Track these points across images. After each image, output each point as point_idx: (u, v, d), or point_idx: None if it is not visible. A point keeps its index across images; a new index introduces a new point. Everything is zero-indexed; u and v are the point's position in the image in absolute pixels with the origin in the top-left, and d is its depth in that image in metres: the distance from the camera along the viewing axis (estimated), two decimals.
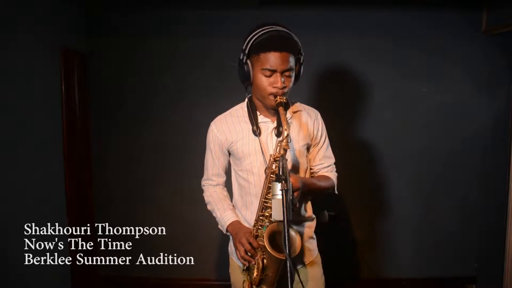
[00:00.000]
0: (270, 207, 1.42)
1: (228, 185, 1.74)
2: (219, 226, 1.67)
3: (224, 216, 1.63)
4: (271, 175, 1.44)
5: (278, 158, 1.38)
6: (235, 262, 1.69)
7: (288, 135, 1.35)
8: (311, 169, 1.70)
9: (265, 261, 1.46)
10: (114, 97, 2.97)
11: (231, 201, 1.71)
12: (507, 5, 2.60)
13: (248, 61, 1.47)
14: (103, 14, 2.90)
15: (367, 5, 2.83)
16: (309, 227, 1.69)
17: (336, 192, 1.70)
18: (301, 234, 1.61)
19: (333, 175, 1.70)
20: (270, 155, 1.44)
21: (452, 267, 3.06)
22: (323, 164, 1.69)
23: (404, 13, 2.86)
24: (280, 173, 1.30)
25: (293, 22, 2.73)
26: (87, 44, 2.88)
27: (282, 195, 1.26)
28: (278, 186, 1.29)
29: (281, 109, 1.42)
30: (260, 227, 1.50)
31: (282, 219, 1.25)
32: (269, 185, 1.44)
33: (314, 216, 1.71)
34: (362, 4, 2.82)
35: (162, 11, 2.87)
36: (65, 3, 2.62)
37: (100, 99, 2.96)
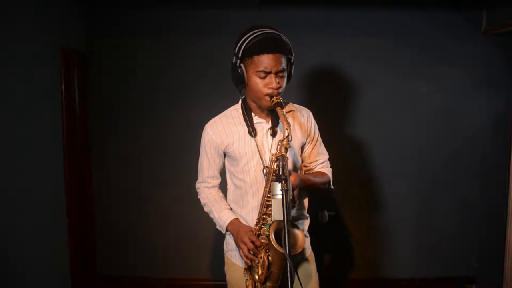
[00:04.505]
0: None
1: (222, 186, 1.75)
2: (218, 227, 1.68)
3: (222, 216, 1.64)
4: (273, 174, 1.45)
5: (279, 157, 1.39)
6: (231, 260, 1.71)
7: (289, 134, 1.38)
8: (306, 166, 1.74)
9: (270, 258, 1.47)
10: (114, 97, 2.97)
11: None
12: (507, 5, 2.60)
13: (242, 64, 1.50)
14: (103, 14, 2.90)
15: (367, 5, 2.83)
16: (304, 225, 1.71)
17: (332, 187, 1.74)
18: None
19: (328, 170, 1.74)
20: (272, 154, 1.46)
21: (452, 267, 3.07)
22: (319, 161, 1.73)
23: (404, 13, 2.86)
24: (280, 173, 1.31)
25: (293, 22, 2.78)
26: (87, 44, 2.88)
27: (282, 195, 1.27)
28: (278, 186, 1.30)
29: (279, 109, 1.44)
30: (262, 225, 1.52)
31: (282, 219, 1.26)
32: (271, 183, 1.45)
33: (308, 215, 1.74)
34: (362, 4, 2.82)
35: (162, 11, 2.87)
36: (65, 3, 2.62)
37: (100, 99, 2.96)
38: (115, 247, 3.06)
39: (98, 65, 2.93)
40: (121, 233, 3.04)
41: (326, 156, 1.77)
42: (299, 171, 1.69)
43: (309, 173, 1.72)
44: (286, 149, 1.41)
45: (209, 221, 1.75)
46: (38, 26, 2.34)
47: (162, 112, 2.96)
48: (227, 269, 1.73)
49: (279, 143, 1.42)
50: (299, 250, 1.45)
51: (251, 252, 1.51)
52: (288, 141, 1.40)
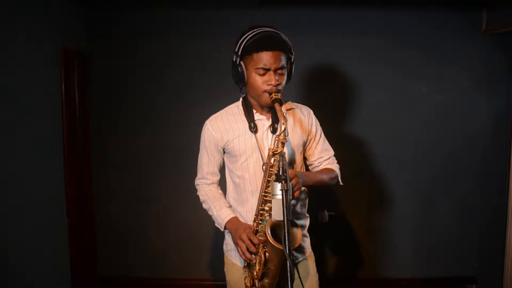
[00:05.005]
0: (270, 201, 1.45)
1: (222, 185, 1.76)
2: (216, 224, 1.68)
3: (221, 213, 1.64)
4: (270, 169, 1.47)
5: (276, 152, 1.42)
6: (230, 260, 1.72)
7: (285, 128, 1.39)
8: (311, 164, 1.74)
9: (267, 254, 1.47)
10: (114, 97, 2.97)
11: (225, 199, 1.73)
12: (507, 5, 2.60)
13: (242, 62, 1.51)
14: (103, 14, 2.90)
15: (367, 5, 2.83)
16: (304, 224, 1.71)
17: (341, 183, 1.74)
18: None
19: (335, 166, 1.74)
20: (269, 149, 1.48)
21: (452, 267, 3.07)
22: (323, 157, 1.73)
23: (404, 13, 2.86)
24: (280, 173, 1.31)
25: (293, 22, 2.78)
26: (87, 44, 2.88)
27: (282, 195, 1.27)
28: (278, 186, 1.30)
29: (277, 105, 1.45)
30: (260, 222, 1.52)
31: (282, 219, 1.26)
32: (268, 179, 1.47)
33: (308, 215, 1.74)
34: (362, 4, 2.83)
35: (162, 11, 2.87)
36: (65, 3, 2.63)
37: (100, 99, 2.96)
38: (115, 247, 3.06)
39: (98, 65, 2.93)
40: (121, 233, 3.04)
41: (331, 152, 1.77)
42: (300, 168, 1.69)
43: (315, 171, 1.72)
44: (283, 144, 1.42)
45: (209, 221, 1.75)
46: (38, 26, 2.34)
47: (162, 112, 2.96)
48: (227, 269, 1.74)
49: (276, 138, 1.44)
50: (296, 245, 1.47)
51: (249, 250, 1.51)
52: (285, 135, 1.41)
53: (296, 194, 1.45)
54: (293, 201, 1.60)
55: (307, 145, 1.70)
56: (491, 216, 2.91)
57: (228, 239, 1.72)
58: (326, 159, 1.74)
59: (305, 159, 1.76)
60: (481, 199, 2.99)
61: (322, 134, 1.74)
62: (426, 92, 2.92)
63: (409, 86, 2.92)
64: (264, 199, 1.50)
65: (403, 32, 2.88)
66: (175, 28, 2.90)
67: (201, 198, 1.73)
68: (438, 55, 2.89)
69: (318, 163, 1.73)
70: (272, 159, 1.46)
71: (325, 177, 1.65)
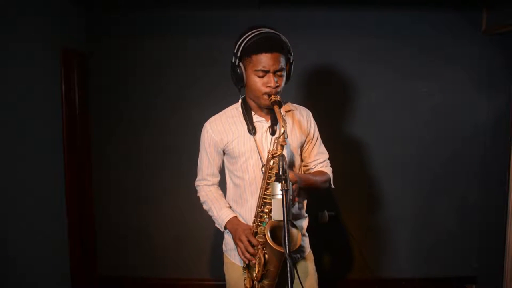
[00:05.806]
0: (269, 203, 1.45)
1: (221, 184, 1.76)
2: (216, 225, 1.69)
3: (221, 214, 1.65)
4: (269, 171, 1.47)
5: (276, 155, 1.42)
6: (230, 260, 1.72)
7: (285, 131, 1.39)
8: (306, 166, 1.74)
9: (266, 256, 1.47)
10: (114, 97, 2.97)
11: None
12: (507, 5, 2.60)
13: (241, 64, 1.51)
14: (103, 14, 2.90)
15: (367, 5, 2.83)
16: (302, 224, 1.71)
17: (333, 186, 1.75)
18: None
19: (328, 169, 1.75)
20: (268, 152, 1.47)
21: (452, 267, 3.07)
22: (318, 160, 1.74)
23: (404, 13, 2.86)
24: (280, 173, 1.31)
25: (293, 22, 2.78)
26: (87, 44, 2.88)
27: (282, 195, 1.27)
28: (278, 186, 1.30)
29: (276, 107, 1.45)
30: (259, 224, 1.52)
31: (282, 219, 1.26)
32: (267, 181, 1.47)
33: (306, 214, 1.74)
34: (362, 4, 2.83)
35: (161, 11, 2.87)
36: (65, 3, 2.63)
37: (100, 99, 2.96)
38: (115, 247, 3.06)
39: (98, 65, 2.93)
40: (121, 233, 3.04)
41: (326, 155, 1.77)
42: (298, 170, 1.69)
43: (309, 173, 1.73)
44: (282, 146, 1.42)
45: (209, 221, 1.75)
46: (38, 26, 2.34)
47: (162, 112, 2.96)
48: (226, 269, 1.74)
49: (275, 141, 1.44)
50: (295, 247, 1.47)
51: (248, 251, 1.51)
52: (284, 138, 1.41)
53: (296, 199, 1.45)
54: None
55: (304, 146, 1.71)
56: (491, 216, 2.90)
57: (227, 238, 1.72)
58: (321, 162, 1.74)
59: None
60: (481, 199, 2.99)
61: (319, 137, 1.75)
62: (426, 92, 2.92)
63: (409, 86, 2.92)
64: (264, 201, 1.50)
65: (403, 32, 2.88)
66: (175, 28, 2.90)
67: (202, 199, 1.74)
68: (438, 55, 2.89)
69: (313, 165, 1.73)
70: (272, 162, 1.45)
71: (318, 179, 1.65)
